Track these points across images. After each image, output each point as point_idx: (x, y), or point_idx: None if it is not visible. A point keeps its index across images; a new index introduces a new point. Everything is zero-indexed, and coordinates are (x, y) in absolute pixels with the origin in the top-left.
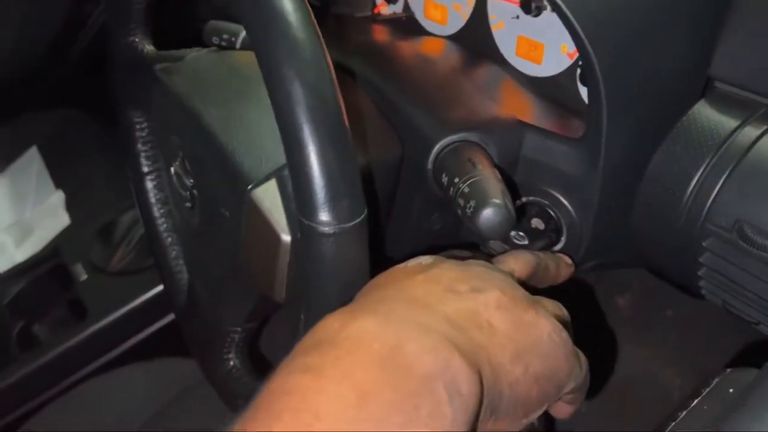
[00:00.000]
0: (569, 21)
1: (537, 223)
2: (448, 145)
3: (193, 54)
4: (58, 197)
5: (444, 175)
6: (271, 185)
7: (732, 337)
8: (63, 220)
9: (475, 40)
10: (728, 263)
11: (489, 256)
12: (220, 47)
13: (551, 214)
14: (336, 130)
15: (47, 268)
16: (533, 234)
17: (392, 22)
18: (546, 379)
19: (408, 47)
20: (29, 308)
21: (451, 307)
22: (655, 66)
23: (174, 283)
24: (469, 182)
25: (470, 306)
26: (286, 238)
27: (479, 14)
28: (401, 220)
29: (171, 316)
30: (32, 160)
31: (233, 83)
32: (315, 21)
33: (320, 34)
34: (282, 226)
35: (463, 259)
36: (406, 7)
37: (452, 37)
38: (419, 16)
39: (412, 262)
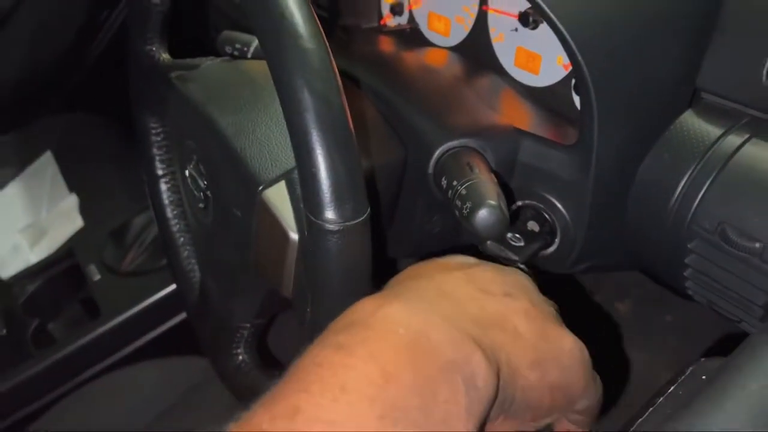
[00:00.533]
0: (562, 34)
1: (532, 225)
2: (448, 150)
3: (208, 63)
4: (72, 200)
5: (444, 178)
6: (281, 187)
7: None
8: (76, 222)
9: (476, 51)
10: (712, 264)
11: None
12: (233, 56)
13: (546, 217)
14: (342, 136)
15: (62, 269)
16: (529, 236)
17: (397, 33)
18: (560, 389)
19: (412, 57)
20: (44, 307)
21: (480, 307)
22: (645, 77)
23: (186, 281)
24: (466, 185)
25: (499, 309)
26: (294, 236)
27: (480, 27)
28: (404, 222)
29: (181, 316)
30: (47, 164)
31: (245, 91)
32: (323, 33)
33: (328, 45)
34: (290, 225)
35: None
36: (411, 19)
37: (454, 48)
38: (423, 28)
39: (455, 259)
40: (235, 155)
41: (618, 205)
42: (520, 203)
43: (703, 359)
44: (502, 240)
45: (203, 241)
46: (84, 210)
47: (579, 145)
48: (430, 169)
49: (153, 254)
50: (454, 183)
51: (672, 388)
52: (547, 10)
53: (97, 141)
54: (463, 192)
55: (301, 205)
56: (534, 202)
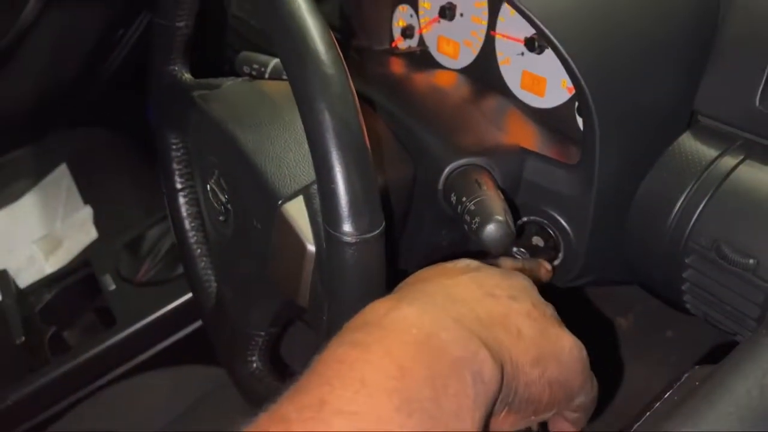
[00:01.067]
0: (566, 60)
1: (537, 240)
2: (457, 167)
3: (229, 83)
4: (87, 212)
5: (453, 194)
6: (299, 201)
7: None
8: (91, 234)
9: (484, 73)
10: (708, 278)
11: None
12: (251, 76)
13: (550, 233)
14: (359, 155)
15: (78, 278)
16: (533, 250)
17: (408, 55)
18: (559, 385)
19: (422, 79)
20: (60, 315)
21: (486, 308)
22: (644, 101)
23: (202, 290)
24: (475, 201)
25: (503, 311)
26: (311, 248)
27: (488, 50)
28: (413, 236)
29: (194, 325)
30: (62, 176)
31: (265, 110)
32: (343, 58)
33: (347, 70)
34: (308, 237)
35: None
36: (421, 42)
37: (463, 71)
38: (433, 50)
39: (461, 263)
40: (256, 170)
41: (619, 221)
42: (525, 219)
43: (697, 366)
44: (507, 254)
45: (222, 252)
46: (99, 221)
47: (582, 164)
48: (440, 186)
49: (167, 265)
50: (463, 199)
51: (668, 393)
52: (552, 38)
53: (112, 154)
54: (472, 207)
55: (319, 219)
56: (538, 218)
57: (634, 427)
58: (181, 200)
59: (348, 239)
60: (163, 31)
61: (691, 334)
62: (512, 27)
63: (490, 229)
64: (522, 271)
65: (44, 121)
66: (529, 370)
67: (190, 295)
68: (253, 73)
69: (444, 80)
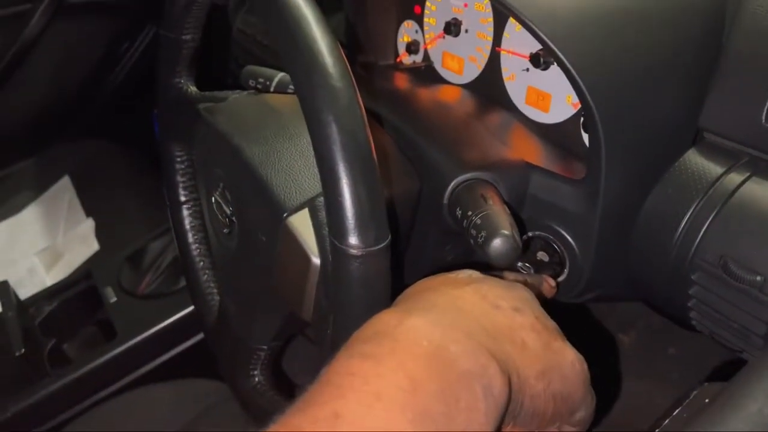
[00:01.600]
0: (572, 76)
1: (542, 255)
2: (462, 182)
3: (234, 96)
4: (89, 225)
5: (458, 208)
6: (304, 214)
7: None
8: (92, 246)
9: (489, 89)
10: (714, 295)
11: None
12: (257, 89)
13: (555, 248)
14: (366, 168)
15: (79, 291)
16: (538, 266)
17: (413, 70)
18: (562, 399)
19: (427, 94)
20: (61, 327)
21: (492, 320)
22: (650, 117)
23: (205, 303)
24: (481, 215)
25: (508, 323)
26: (316, 260)
27: (493, 66)
28: (418, 250)
29: (195, 339)
30: (64, 188)
31: (271, 123)
32: (351, 72)
33: (355, 84)
34: (313, 250)
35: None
36: (426, 57)
37: (467, 86)
38: (438, 66)
39: (462, 274)
40: (262, 183)
41: (624, 237)
42: (530, 234)
43: (706, 384)
44: (512, 268)
45: (226, 265)
46: (101, 234)
47: (587, 180)
48: (445, 200)
49: (169, 278)
50: (469, 213)
51: (676, 411)
52: (559, 53)
53: (115, 167)
54: (478, 221)
55: (324, 232)
56: (543, 233)
57: None
58: (185, 212)
59: (354, 252)
60: (170, 43)
61: (693, 352)
62: (517, 43)
63: (497, 243)
64: (525, 284)
65: (47, 133)
66: (534, 383)
67: (191, 308)
68: (258, 86)
69: (449, 95)
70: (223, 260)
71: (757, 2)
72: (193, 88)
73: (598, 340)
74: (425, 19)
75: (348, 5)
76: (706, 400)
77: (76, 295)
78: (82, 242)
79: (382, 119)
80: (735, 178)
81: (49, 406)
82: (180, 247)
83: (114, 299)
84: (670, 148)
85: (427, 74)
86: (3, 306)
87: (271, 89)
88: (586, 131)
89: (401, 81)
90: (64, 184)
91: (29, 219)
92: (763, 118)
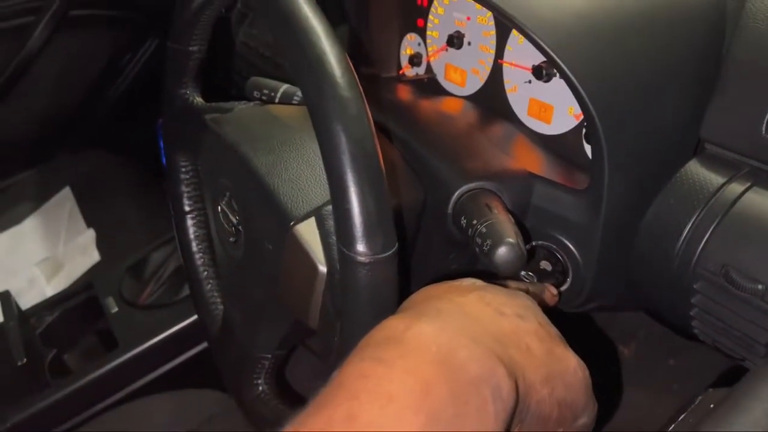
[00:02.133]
0: (575, 87)
1: (545, 264)
2: (466, 192)
3: (241, 106)
4: (89, 235)
5: (463, 218)
6: (311, 222)
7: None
8: (93, 257)
9: (491, 100)
10: (716, 304)
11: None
12: (262, 101)
13: (558, 257)
14: (374, 177)
15: (80, 301)
16: (542, 275)
17: (415, 83)
18: (566, 405)
19: (430, 105)
20: (61, 338)
21: (497, 326)
22: (652, 128)
23: (208, 312)
24: (486, 224)
25: (513, 329)
26: (323, 268)
27: (495, 78)
28: (422, 259)
29: (197, 348)
30: (65, 199)
31: (278, 133)
32: (359, 83)
33: (363, 95)
34: (319, 258)
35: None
36: (429, 69)
37: (470, 98)
38: (440, 78)
39: (466, 282)
40: (268, 192)
41: (626, 247)
42: (533, 243)
43: (711, 389)
44: (516, 277)
45: (231, 273)
46: (102, 244)
47: (590, 190)
48: (450, 209)
49: (170, 288)
50: (474, 222)
51: (682, 416)
52: (562, 65)
53: (115, 178)
54: (483, 230)
55: (330, 240)
56: (547, 243)
57: None
58: (189, 222)
59: (362, 259)
60: (177, 55)
61: (694, 363)
62: (520, 55)
63: (502, 251)
64: (527, 293)
65: (49, 144)
66: (540, 388)
67: (192, 318)
68: (263, 97)
69: (451, 107)
70: (229, 269)
71: (756, 14)
72: (199, 99)
73: (600, 350)
74: (428, 32)
75: (352, 18)
76: (711, 405)
77: (77, 306)
78: (82, 253)
79: (387, 131)
80: (736, 188)
81: (49, 416)
82: (184, 257)
83: (115, 309)
84: (672, 159)
85: (430, 86)
86: (4, 316)
87: (276, 100)
88: (588, 142)
89: (404, 93)
90: (65, 194)
91: (30, 229)
92: (763, 129)
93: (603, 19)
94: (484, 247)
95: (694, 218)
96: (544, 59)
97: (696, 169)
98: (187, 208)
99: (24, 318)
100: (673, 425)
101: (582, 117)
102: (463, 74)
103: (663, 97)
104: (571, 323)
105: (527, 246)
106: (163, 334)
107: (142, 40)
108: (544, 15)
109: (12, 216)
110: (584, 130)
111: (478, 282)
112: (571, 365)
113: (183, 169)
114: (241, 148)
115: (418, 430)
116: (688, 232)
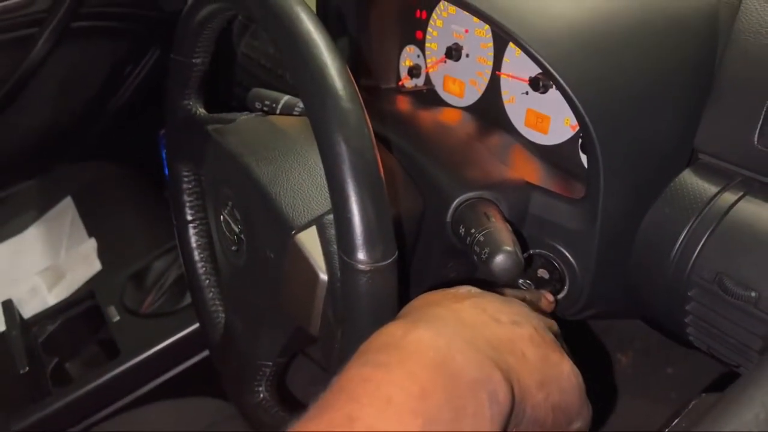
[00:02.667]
0: (571, 98)
1: (542, 273)
2: (464, 201)
3: (243, 117)
4: (91, 244)
5: (461, 226)
6: (312, 231)
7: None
8: (94, 266)
9: (489, 111)
10: (711, 311)
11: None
12: (263, 112)
13: (555, 265)
14: (374, 186)
15: (82, 310)
16: (539, 283)
17: (414, 94)
18: (561, 410)
19: (428, 116)
20: (63, 346)
21: (493, 332)
22: (646, 139)
23: (210, 320)
24: (484, 232)
25: (508, 335)
26: (324, 276)
27: (493, 89)
28: (421, 267)
29: (199, 357)
30: (67, 209)
31: (279, 143)
32: (360, 95)
33: (364, 106)
34: (320, 266)
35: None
36: (428, 81)
37: (468, 109)
38: (439, 89)
39: (462, 289)
40: (270, 201)
41: (622, 255)
42: (531, 251)
43: (704, 394)
44: (514, 285)
45: (233, 282)
46: (104, 253)
47: (586, 199)
48: (448, 218)
49: (172, 296)
50: (472, 230)
51: (675, 421)
52: (558, 77)
53: (117, 187)
54: (481, 239)
55: (331, 248)
56: (544, 251)
57: None
58: (191, 231)
59: (362, 267)
60: (180, 66)
61: (690, 372)
62: (517, 67)
63: (500, 259)
64: (524, 301)
65: (50, 154)
66: (535, 393)
67: (194, 326)
68: (265, 108)
69: (450, 117)
70: (230, 278)
71: (748, 27)
72: (201, 110)
73: (597, 358)
74: (427, 44)
75: (352, 30)
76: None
77: (79, 314)
78: (84, 262)
79: (386, 141)
80: (729, 197)
81: (51, 424)
82: (186, 266)
83: (117, 318)
84: (667, 169)
85: (429, 97)
86: (7, 324)
87: (277, 111)
88: (584, 152)
89: (404, 104)
90: (67, 204)
91: (32, 239)
92: (755, 139)
93: (598, 32)
94: (483, 255)
95: (688, 227)
96: (541, 71)
97: (690, 179)
98: (189, 218)
99: (26, 326)
100: (666, 429)
101: (578, 127)
102: (461, 85)
103: (657, 108)
104: (568, 331)
105: (525, 254)
106: (165, 342)
107: (144, 50)
108: (540, 28)
109: (14, 225)
110: (580, 141)
111: (474, 289)
112: (565, 370)
113: (185, 179)
114: (244, 158)
115: None
116: (683, 240)
